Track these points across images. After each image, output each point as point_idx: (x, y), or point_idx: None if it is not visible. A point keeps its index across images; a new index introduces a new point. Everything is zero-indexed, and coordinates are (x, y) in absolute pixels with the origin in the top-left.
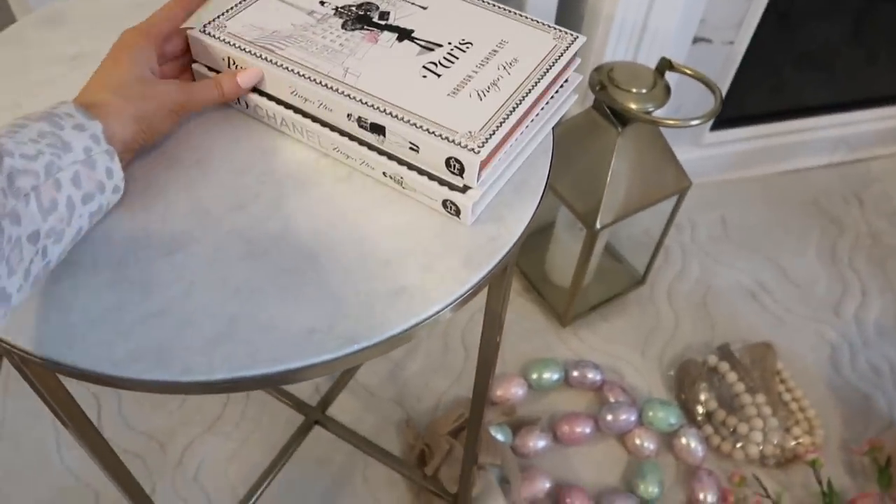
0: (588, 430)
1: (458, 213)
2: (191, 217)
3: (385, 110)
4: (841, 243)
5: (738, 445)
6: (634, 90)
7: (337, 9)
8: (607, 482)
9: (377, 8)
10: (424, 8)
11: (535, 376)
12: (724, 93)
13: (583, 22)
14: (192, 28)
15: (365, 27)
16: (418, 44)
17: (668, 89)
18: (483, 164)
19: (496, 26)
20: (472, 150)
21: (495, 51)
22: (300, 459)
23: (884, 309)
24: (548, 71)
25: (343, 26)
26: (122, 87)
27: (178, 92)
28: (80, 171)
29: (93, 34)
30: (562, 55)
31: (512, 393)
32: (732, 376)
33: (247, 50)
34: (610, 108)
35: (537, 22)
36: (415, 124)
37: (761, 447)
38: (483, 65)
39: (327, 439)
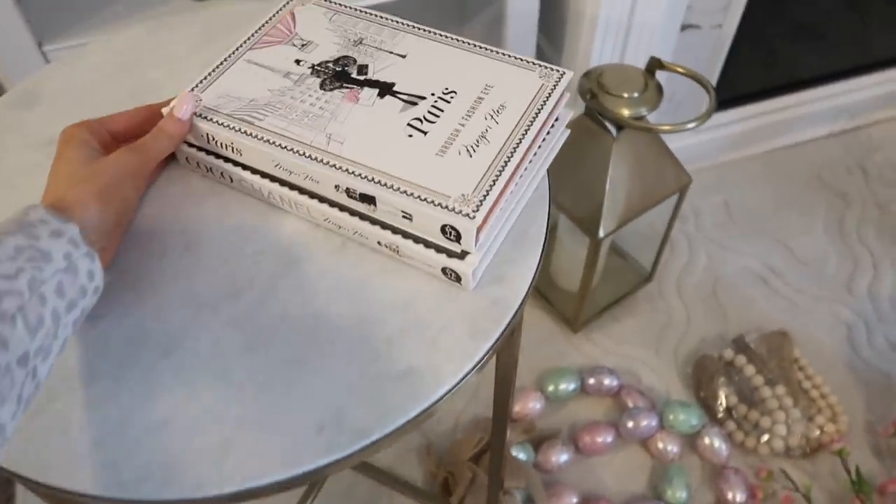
0: (609, 440)
1: (458, 279)
2: (186, 310)
3: (374, 179)
4: (848, 217)
5: (763, 440)
6: (626, 95)
7: (314, 67)
8: (634, 490)
9: (355, 62)
10: (403, 56)
11: (551, 388)
12: (716, 75)
13: (566, 24)
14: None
15: (344, 85)
16: (401, 98)
17: (660, 89)
18: (479, 228)
19: (479, 69)
20: (467, 215)
21: (481, 98)
22: (324, 498)
23: None
24: (537, 115)
25: (322, 86)
26: (73, 176)
27: (130, 154)
28: (63, 279)
29: (68, 114)
30: (549, 95)
31: (530, 408)
32: (750, 369)
33: (225, 125)
34: (602, 115)
35: (521, 60)
36: (405, 192)
37: (786, 440)
38: (469, 115)
39: (348, 474)
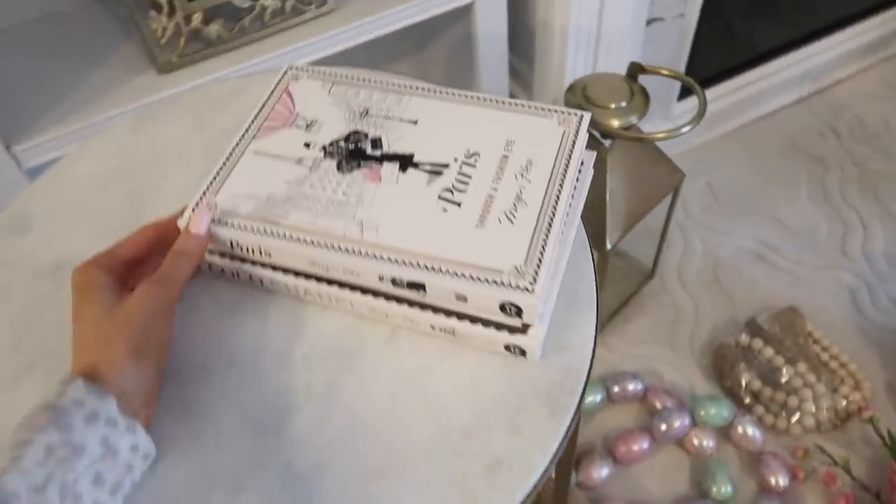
0: (646, 446)
1: (522, 353)
2: (246, 437)
3: (419, 264)
4: (829, 180)
5: (793, 419)
6: (614, 105)
7: (325, 149)
8: (678, 491)
9: (366, 136)
10: (415, 122)
11: None
12: (684, 63)
13: (535, 38)
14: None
15: (362, 163)
16: (424, 170)
17: (646, 94)
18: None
19: (495, 125)
20: (526, 288)
21: (505, 156)
22: None
23: (887, 238)
24: (567, 166)
25: (339, 168)
26: (101, 332)
27: (153, 289)
28: (101, 468)
29: (67, 232)
30: (574, 142)
31: None
32: (769, 351)
33: (249, 228)
34: (594, 128)
35: (535, 108)
36: (456, 273)
37: (815, 415)
38: (499, 178)
39: None
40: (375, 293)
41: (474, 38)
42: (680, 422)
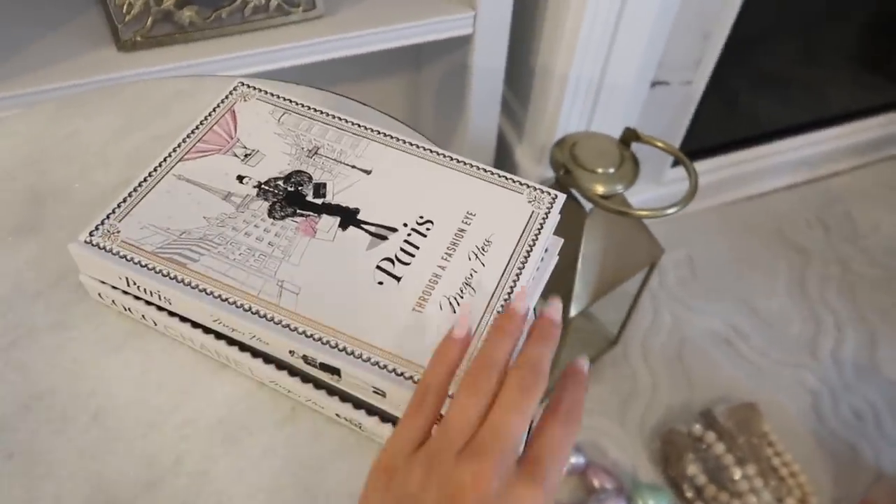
0: None
1: None
2: None
3: (338, 346)
4: (809, 275)
5: None
6: (601, 170)
7: (260, 186)
8: None
9: (310, 180)
10: (368, 172)
11: None
12: (683, 131)
13: (534, 78)
14: (74, 241)
15: (297, 211)
16: (367, 230)
17: (636, 164)
18: None
19: (458, 190)
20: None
21: (462, 229)
22: None
23: (859, 345)
24: (530, 252)
25: (271, 213)
26: None
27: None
28: None
29: None
30: (542, 226)
31: None
32: (720, 447)
33: (150, 267)
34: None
35: (507, 180)
36: (377, 363)
37: None
38: (450, 254)
39: None
40: (281, 365)
41: (470, 70)
42: None
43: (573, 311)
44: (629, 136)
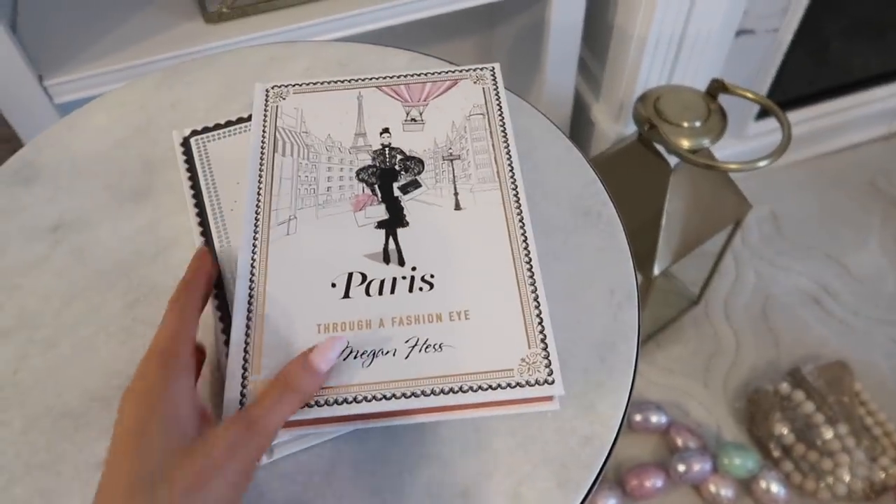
0: (660, 484)
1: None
2: None
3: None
4: None
5: (823, 484)
6: (686, 124)
7: (384, 148)
8: None
9: (418, 173)
10: (459, 209)
11: None
12: (769, 81)
13: (611, 36)
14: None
15: (374, 185)
16: (389, 245)
17: (723, 116)
18: None
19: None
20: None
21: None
22: None
23: None
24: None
25: (360, 172)
26: (160, 467)
27: (242, 435)
28: None
29: (73, 191)
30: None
31: None
32: (809, 406)
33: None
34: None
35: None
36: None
37: (848, 483)
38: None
39: None
40: None
41: (547, 27)
42: (700, 466)
43: (656, 271)
44: (716, 88)
